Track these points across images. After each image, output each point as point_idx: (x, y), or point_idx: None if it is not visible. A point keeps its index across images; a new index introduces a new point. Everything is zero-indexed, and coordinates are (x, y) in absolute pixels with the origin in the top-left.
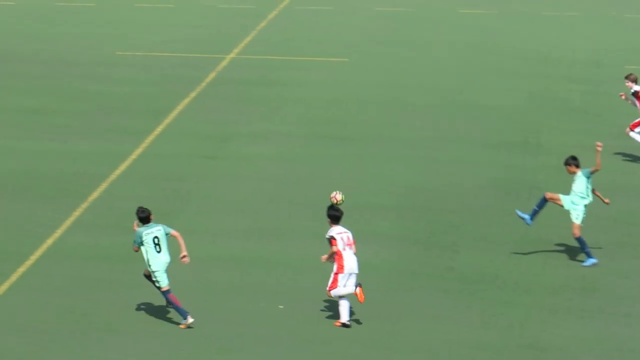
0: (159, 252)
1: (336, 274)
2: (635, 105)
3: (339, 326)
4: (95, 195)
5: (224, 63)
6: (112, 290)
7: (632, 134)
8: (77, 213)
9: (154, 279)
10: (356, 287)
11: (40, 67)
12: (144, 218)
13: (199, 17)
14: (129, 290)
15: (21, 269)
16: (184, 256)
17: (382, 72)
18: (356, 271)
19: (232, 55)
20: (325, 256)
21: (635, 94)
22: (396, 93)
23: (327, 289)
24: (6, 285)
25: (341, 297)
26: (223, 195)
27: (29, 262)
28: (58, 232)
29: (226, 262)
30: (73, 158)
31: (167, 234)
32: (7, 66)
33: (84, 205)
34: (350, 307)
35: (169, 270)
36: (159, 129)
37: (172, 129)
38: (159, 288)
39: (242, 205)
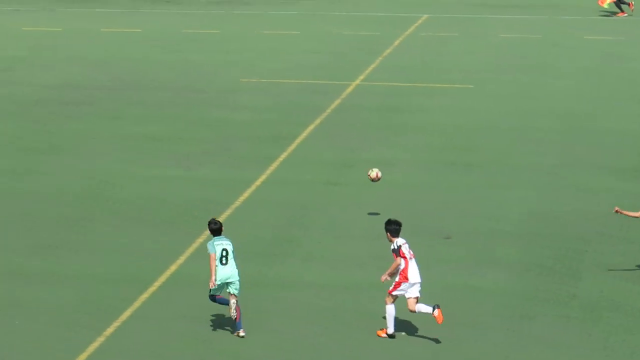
0: (224, 264)
1: (400, 282)
2: None
3: (382, 336)
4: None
5: (349, 90)
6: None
7: None
8: (200, 240)
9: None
10: (434, 309)
11: (165, 94)
12: (216, 230)
13: (324, 44)
14: (251, 317)
15: (144, 295)
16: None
17: (507, 98)
18: (419, 280)
19: (356, 82)
20: (385, 275)
21: None
22: (521, 119)
23: (389, 291)
24: (129, 311)
25: (393, 302)
26: (345, 221)
27: (152, 289)
28: (181, 259)
29: (348, 288)
30: (197, 185)
31: (233, 251)
32: (133, 93)
33: (207, 232)
34: (396, 318)
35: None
36: (283, 155)
37: (295, 156)
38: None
39: (364, 232)
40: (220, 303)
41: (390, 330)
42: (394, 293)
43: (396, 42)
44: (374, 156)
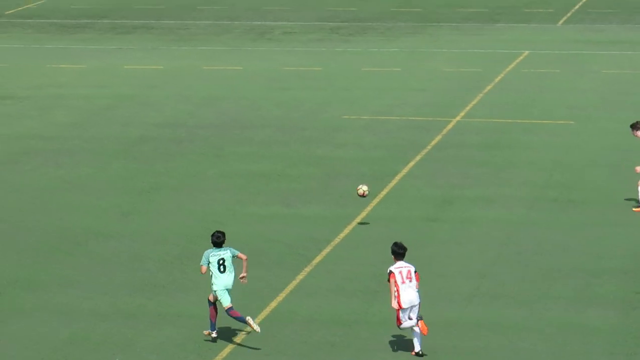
0: (222, 272)
1: (397, 310)
2: None
3: (413, 355)
4: (319, 258)
5: (450, 126)
6: (335, 354)
7: None
8: (301, 276)
9: (217, 298)
10: (418, 320)
11: (269, 131)
12: (219, 243)
13: (425, 81)
14: (352, 354)
15: (245, 332)
16: (243, 277)
17: (610, 134)
18: (416, 303)
19: (457, 118)
20: (394, 303)
21: None
22: (624, 155)
23: (398, 325)
24: (230, 347)
25: (413, 327)
26: (445, 258)
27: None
28: (281, 295)
29: (449, 325)
30: (299, 222)
31: (233, 256)
32: (237, 131)
33: (308, 269)
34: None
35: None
36: (384, 192)
37: (396, 192)
38: (213, 302)
39: (463, 268)
40: (240, 320)
41: (417, 348)
42: (403, 326)
43: (497, 79)
44: (475, 193)
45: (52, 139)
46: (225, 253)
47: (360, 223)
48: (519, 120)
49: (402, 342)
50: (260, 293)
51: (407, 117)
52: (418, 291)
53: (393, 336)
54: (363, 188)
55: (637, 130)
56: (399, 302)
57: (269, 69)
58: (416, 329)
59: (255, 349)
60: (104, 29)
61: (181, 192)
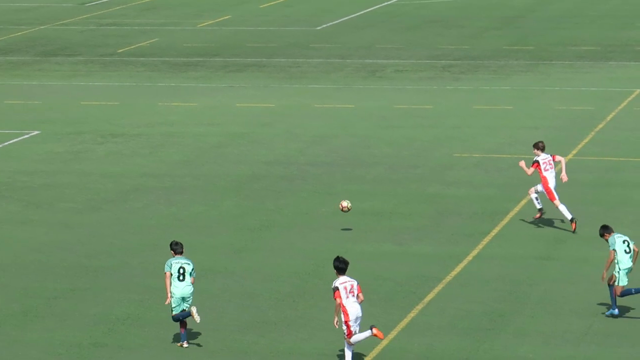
0: (181, 280)
1: (346, 322)
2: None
3: None
4: (430, 296)
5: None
6: None
7: (557, 205)
8: (412, 314)
9: (172, 305)
10: (371, 328)
11: (378, 169)
12: (178, 251)
13: (537, 119)
14: None
15: None
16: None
17: None
18: (360, 315)
19: (569, 156)
20: (335, 320)
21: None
22: None
23: (346, 336)
24: None
25: (354, 343)
26: (558, 296)
27: None
28: (393, 333)
29: None
30: (410, 260)
31: (192, 271)
32: (349, 169)
33: (419, 307)
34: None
35: None
36: (495, 230)
37: (507, 230)
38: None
39: (577, 306)
40: (183, 317)
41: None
42: (354, 342)
43: (609, 117)
44: (587, 231)
45: (163, 177)
46: (188, 265)
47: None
48: (631, 159)
49: None
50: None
51: (519, 155)
52: (360, 304)
53: None
54: (343, 204)
55: (537, 149)
56: (347, 314)
57: (380, 107)
58: (365, 334)
59: None
60: (216, 67)
61: (292, 230)
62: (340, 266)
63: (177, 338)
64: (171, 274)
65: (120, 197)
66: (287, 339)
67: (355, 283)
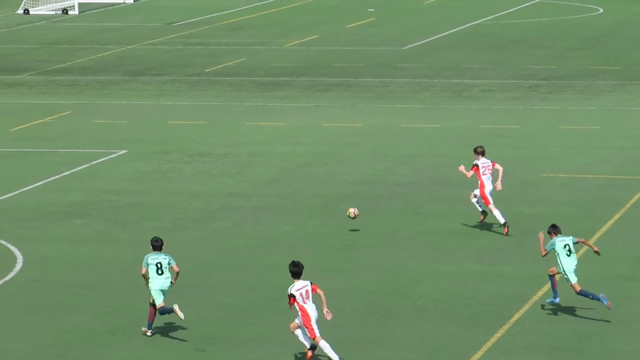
0: (160, 274)
1: (307, 324)
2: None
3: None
4: (516, 316)
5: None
6: None
7: (491, 208)
8: (498, 334)
9: (153, 297)
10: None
11: (464, 189)
12: (157, 247)
13: (624, 139)
14: None
15: None
16: (172, 283)
17: None
18: (317, 315)
19: None
20: (293, 326)
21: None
22: None
23: (312, 338)
24: None
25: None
26: None
27: None
28: (479, 353)
29: None
30: (496, 280)
31: (170, 265)
32: (435, 189)
33: (505, 327)
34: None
35: None
36: (581, 251)
37: (592, 251)
38: (153, 303)
39: None
40: (168, 313)
41: (335, 357)
42: (316, 335)
43: None
44: None
45: (250, 196)
46: (165, 259)
47: None
48: None
49: None
50: (456, 351)
51: (606, 175)
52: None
53: None
54: (350, 210)
55: (476, 153)
56: (308, 316)
57: (467, 127)
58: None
59: None
60: (303, 86)
61: (378, 249)
62: (296, 270)
63: (264, 356)
64: (147, 270)
65: (207, 217)
66: (370, 357)
67: (309, 286)
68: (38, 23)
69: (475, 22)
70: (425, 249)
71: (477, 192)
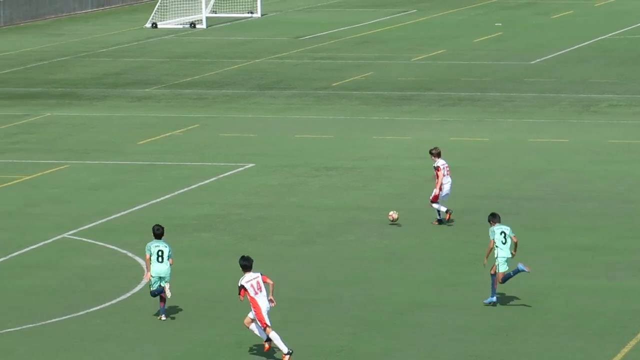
0: (160, 262)
1: (258, 315)
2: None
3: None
4: None
5: None
6: None
7: (434, 205)
8: (626, 349)
9: (150, 282)
10: (266, 341)
11: (592, 204)
12: (158, 234)
13: None
14: None
15: None
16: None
17: None
18: (269, 307)
19: None
20: (248, 321)
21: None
22: None
23: (264, 330)
24: None
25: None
26: None
27: None
28: None
29: None
30: (622, 294)
31: (169, 254)
32: (564, 204)
33: (632, 342)
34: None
35: None
36: None
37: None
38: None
39: None
40: (159, 293)
41: (285, 349)
42: (267, 324)
43: None
44: None
45: (376, 210)
46: (165, 248)
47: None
48: None
49: None
50: None
51: None
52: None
53: None
54: (390, 213)
55: (434, 156)
56: (259, 309)
57: (594, 142)
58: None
59: None
60: (430, 100)
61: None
62: (245, 264)
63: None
64: (150, 256)
65: (333, 230)
66: None
67: (259, 277)
68: (166, 37)
69: (603, 37)
70: (553, 264)
71: (436, 192)
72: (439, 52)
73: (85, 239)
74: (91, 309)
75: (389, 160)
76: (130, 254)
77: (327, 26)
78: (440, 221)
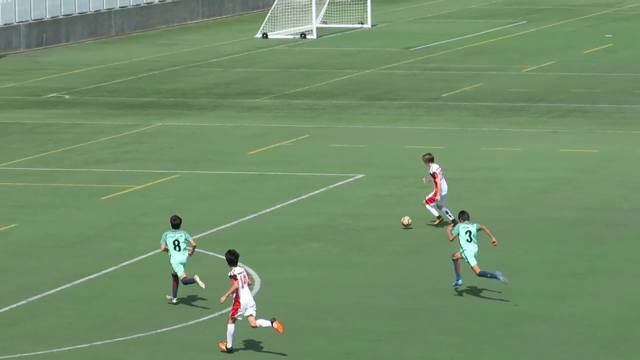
0: (177, 251)
1: (236, 305)
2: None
3: (222, 348)
4: None
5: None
6: None
7: (427, 206)
8: None
9: (175, 270)
10: (272, 322)
11: None
12: (176, 225)
13: None
14: None
15: None
16: (191, 253)
17: None
18: (252, 304)
19: None
20: (223, 297)
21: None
22: None
23: (229, 317)
24: None
25: (234, 322)
26: None
27: None
28: None
29: None
30: None
31: (186, 240)
32: None
33: None
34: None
35: None
36: None
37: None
38: (175, 275)
39: None
40: (190, 283)
41: (230, 344)
42: (235, 317)
43: None
44: None
45: (486, 222)
46: (180, 236)
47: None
48: None
49: None
50: None
51: None
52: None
53: None
54: (405, 218)
55: (430, 162)
56: (238, 302)
57: (621, 153)
58: (266, 323)
59: None
60: (540, 112)
61: (616, 276)
62: (232, 258)
63: None
64: (167, 246)
65: (445, 241)
66: None
67: (245, 273)
68: (277, 47)
69: None
70: None
71: (431, 195)
72: (549, 63)
73: (196, 249)
74: (201, 319)
75: (498, 171)
76: (239, 264)
77: (437, 37)
78: (440, 219)
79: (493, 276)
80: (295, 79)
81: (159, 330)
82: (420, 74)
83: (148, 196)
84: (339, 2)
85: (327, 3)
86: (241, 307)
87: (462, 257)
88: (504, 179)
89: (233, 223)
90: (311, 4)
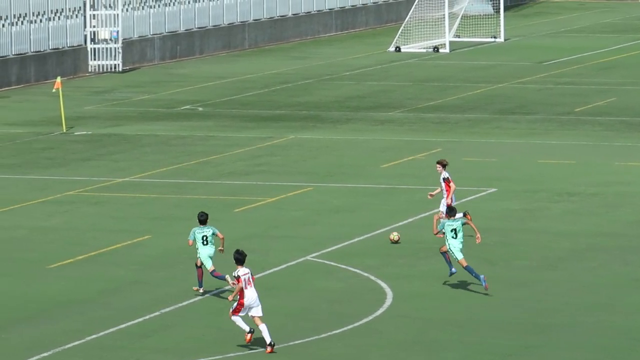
0: (205, 245)
1: (240, 303)
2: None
3: (248, 339)
4: None
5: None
6: None
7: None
8: None
9: (202, 263)
10: (269, 344)
11: None
12: (203, 221)
13: None
14: None
15: None
16: (221, 250)
17: None
18: (257, 304)
19: None
20: (230, 297)
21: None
22: None
23: (230, 313)
24: None
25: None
26: None
27: None
28: None
29: None
30: None
31: (214, 234)
32: None
33: None
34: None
35: None
36: None
37: None
38: (199, 265)
39: None
40: (222, 278)
41: (247, 328)
42: (240, 314)
43: None
44: None
45: (618, 237)
46: (208, 231)
47: None
48: None
49: None
50: None
51: None
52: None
53: None
54: (393, 234)
55: (444, 167)
56: (242, 301)
57: None
58: (244, 327)
59: None
60: None
61: None
62: (239, 257)
63: None
64: (195, 241)
65: (574, 256)
66: None
67: (250, 274)
68: (409, 60)
69: None
70: None
71: (444, 205)
72: None
73: (327, 262)
74: (333, 332)
75: (631, 186)
76: (372, 277)
77: (570, 51)
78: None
79: (477, 277)
80: (427, 93)
81: (292, 343)
82: (553, 88)
83: (280, 209)
84: (472, 16)
85: (460, 17)
86: (244, 306)
87: (448, 250)
88: (636, 194)
89: (365, 236)
90: (444, 17)
